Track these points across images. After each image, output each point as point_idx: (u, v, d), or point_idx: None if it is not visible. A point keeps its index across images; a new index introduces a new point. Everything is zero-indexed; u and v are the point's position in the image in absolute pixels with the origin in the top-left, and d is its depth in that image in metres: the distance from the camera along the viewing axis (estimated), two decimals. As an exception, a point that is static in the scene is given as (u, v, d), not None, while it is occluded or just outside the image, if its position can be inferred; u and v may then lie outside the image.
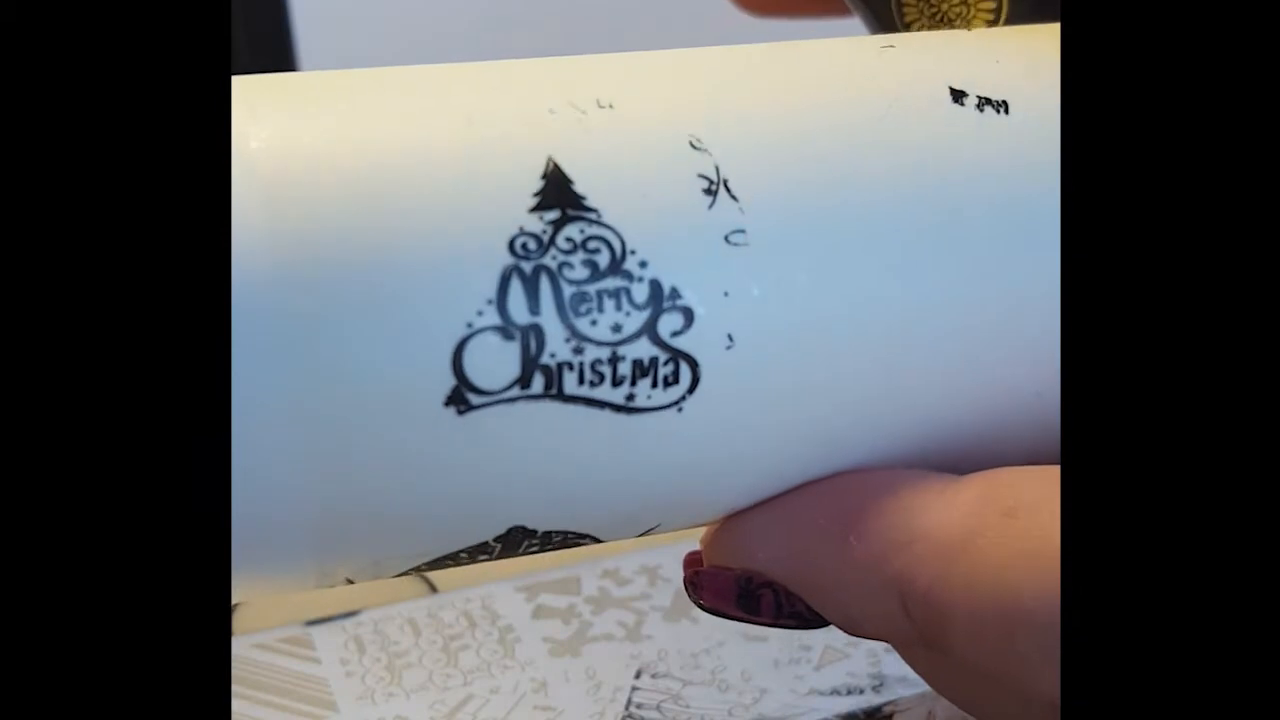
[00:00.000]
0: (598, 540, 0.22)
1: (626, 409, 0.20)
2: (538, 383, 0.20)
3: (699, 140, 0.21)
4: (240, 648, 0.38)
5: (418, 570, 0.22)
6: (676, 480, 0.21)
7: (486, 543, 0.21)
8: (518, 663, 0.37)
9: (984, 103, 0.22)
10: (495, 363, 0.19)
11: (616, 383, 0.20)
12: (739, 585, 0.23)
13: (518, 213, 0.19)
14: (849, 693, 0.36)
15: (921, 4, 0.29)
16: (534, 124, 0.20)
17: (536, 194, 0.20)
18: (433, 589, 0.43)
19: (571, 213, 0.20)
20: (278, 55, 0.66)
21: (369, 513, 0.20)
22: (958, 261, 0.22)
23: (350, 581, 0.22)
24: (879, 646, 0.40)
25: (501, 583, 0.41)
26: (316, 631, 0.39)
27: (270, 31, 0.66)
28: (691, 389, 0.20)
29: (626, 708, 0.36)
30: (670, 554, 0.45)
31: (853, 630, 0.22)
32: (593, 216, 0.20)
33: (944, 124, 0.22)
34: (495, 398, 0.19)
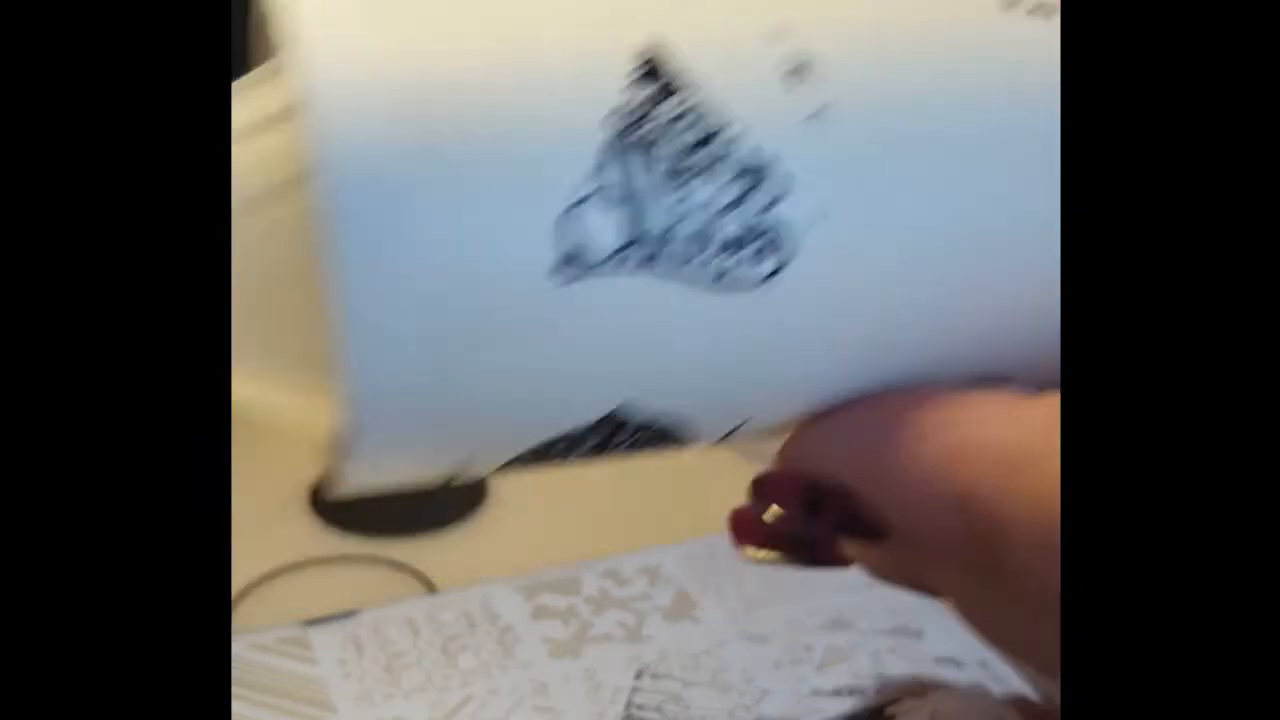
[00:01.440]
0: (685, 442, 0.23)
1: (718, 284, 0.21)
2: (635, 255, 0.21)
3: (788, 26, 0.22)
4: (238, 648, 0.38)
5: (520, 463, 0.22)
6: (764, 360, 0.22)
7: (584, 431, 0.22)
8: (517, 663, 0.37)
9: (1036, 8, 0.24)
10: (596, 234, 0.20)
11: (708, 258, 0.21)
12: (806, 488, 0.24)
13: (617, 86, 0.21)
14: (850, 693, 0.36)
15: None
16: (631, 6, 0.22)
17: (634, 69, 0.21)
18: (432, 589, 0.43)
19: (669, 87, 0.21)
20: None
21: (475, 386, 0.21)
22: (1022, 158, 0.23)
23: (452, 481, 0.22)
24: (880, 647, 0.40)
25: (501, 583, 0.41)
26: (315, 632, 0.39)
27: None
28: (779, 267, 0.21)
29: (626, 709, 0.35)
30: (670, 554, 0.45)
31: (912, 535, 0.22)
32: (688, 92, 0.21)
33: (996, 25, 0.24)
34: (595, 269, 0.20)
